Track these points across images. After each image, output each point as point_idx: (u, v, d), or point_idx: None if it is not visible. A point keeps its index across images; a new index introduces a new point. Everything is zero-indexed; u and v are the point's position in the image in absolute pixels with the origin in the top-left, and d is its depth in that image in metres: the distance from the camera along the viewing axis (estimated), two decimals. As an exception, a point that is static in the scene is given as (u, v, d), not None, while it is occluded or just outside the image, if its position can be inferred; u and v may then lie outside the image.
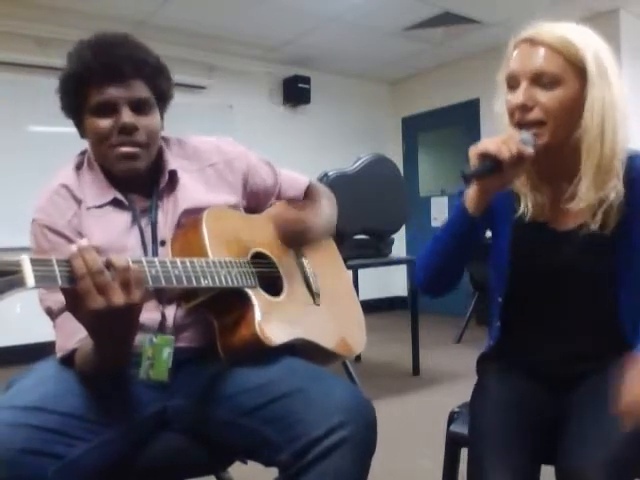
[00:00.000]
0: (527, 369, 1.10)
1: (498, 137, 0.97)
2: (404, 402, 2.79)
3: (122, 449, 0.95)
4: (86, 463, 0.88)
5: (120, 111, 1.02)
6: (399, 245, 4.43)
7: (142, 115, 1.05)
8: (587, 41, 0.99)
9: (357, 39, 4.61)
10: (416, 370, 3.26)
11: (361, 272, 3.40)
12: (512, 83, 1.03)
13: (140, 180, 1.10)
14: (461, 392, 1.28)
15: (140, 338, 1.02)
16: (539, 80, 0.98)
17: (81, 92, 1.03)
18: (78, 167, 1.13)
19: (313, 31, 4.42)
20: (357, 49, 4.88)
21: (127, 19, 3.84)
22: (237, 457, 1.12)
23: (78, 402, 0.91)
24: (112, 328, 0.83)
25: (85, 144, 1.13)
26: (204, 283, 0.94)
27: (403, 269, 4.75)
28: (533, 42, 1.00)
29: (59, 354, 1.01)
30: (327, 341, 1.15)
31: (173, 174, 1.13)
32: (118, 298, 0.78)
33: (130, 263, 0.80)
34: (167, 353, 1.01)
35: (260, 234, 1.18)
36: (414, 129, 5.89)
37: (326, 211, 1.31)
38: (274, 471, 0.95)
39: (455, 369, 3.27)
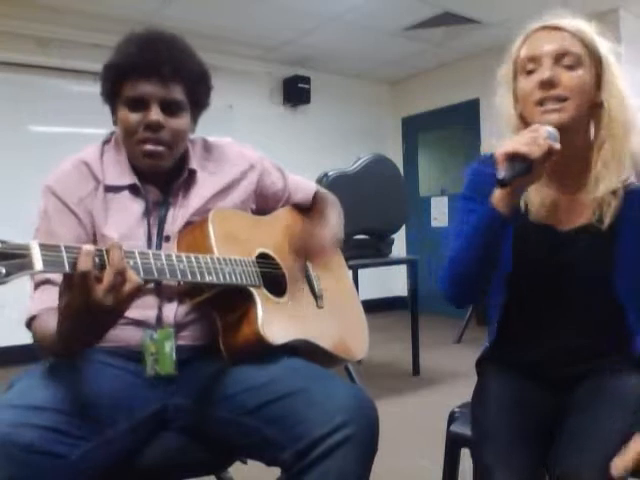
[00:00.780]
0: (527, 369, 1.10)
1: (523, 136, 0.95)
2: (404, 402, 2.80)
3: (123, 448, 0.95)
4: (87, 463, 0.88)
5: (150, 108, 1.04)
6: (399, 245, 4.43)
7: (171, 116, 1.06)
8: (599, 35, 1.04)
9: (357, 39, 4.61)
10: (416, 370, 3.27)
11: (361, 272, 3.40)
12: (530, 66, 1.03)
13: (160, 173, 1.11)
14: (461, 392, 1.28)
15: (140, 335, 1.03)
16: (562, 60, 1.01)
17: (118, 83, 1.05)
18: (106, 142, 1.15)
19: (313, 31, 4.42)
20: (357, 49, 4.87)
21: (127, 19, 3.83)
22: (238, 457, 1.12)
23: (80, 401, 0.91)
24: (92, 323, 0.82)
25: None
26: (208, 279, 0.95)
27: (403, 269, 4.74)
28: (554, 28, 1.03)
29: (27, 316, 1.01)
30: (329, 344, 1.15)
31: (192, 173, 1.14)
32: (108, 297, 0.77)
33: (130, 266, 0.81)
34: (169, 346, 1.02)
35: (266, 235, 1.18)
36: (414, 129, 5.89)
37: (334, 222, 1.33)
38: (274, 471, 0.95)
39: (455, 369, 3.27)
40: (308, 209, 1.36)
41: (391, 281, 5.65)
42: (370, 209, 2.96)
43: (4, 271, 0.67)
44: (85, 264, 0.74)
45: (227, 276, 0.99)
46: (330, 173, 2.90)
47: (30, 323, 1.01)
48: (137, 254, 0.84)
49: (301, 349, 1.09)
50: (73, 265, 0.75)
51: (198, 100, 1.12)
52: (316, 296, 1.21)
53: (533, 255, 1.09)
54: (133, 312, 0.97)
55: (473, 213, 1.04)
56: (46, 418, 0.84)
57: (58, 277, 1.01)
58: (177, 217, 1.11)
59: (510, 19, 4.08)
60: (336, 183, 2.81)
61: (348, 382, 1.00)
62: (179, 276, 0.90)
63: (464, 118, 5.22)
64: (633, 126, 1.04)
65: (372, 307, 4.43)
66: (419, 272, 3.35)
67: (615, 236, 1.04)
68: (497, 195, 0.98)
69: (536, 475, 0.94)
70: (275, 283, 1.12)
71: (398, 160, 5.52)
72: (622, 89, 1.03)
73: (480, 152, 1.29)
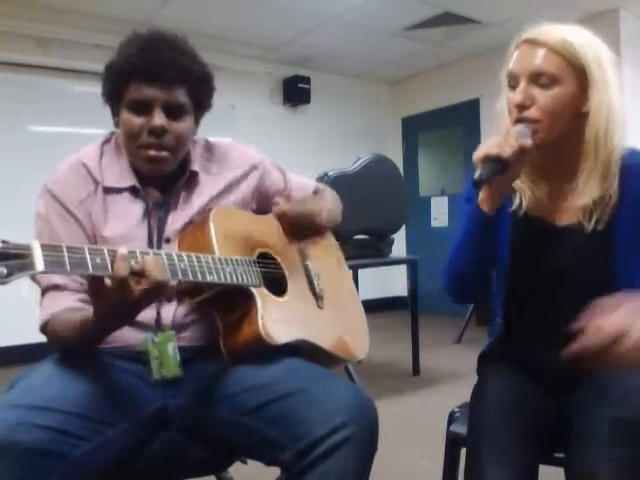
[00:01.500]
0: (527, 368, 1.10)
1: (495, 138, 1.00)
2: (404, 402, 2.80)
3: (124, 448, 0.95)
4: (88, 462, 0.88)
5: (153, 112, 1.03)
6: (399, 245, 4.43)
7: (175, 119, 1.06)
8: (587, 43, 1.03)
9: (357, 39, 4.61)
10: (416, 370, 3.27)
11: (361, 272, 3.40)
12: (512, 82, 1.06)
13: (161, 175, 1.11)
14: (461, 392, 1.28)
15: (139, 336, 1.03)
16: (537, 79, 1.02)
17: (120, 84, 1.04)
18: (105, 142, 1.14)
19: (313, 31, 4.42)
20: (357, 49, 4.88)
21: (127, 19, 3.84)
22: (238, 456, 1.12)
23: (81, 401, 0.91)
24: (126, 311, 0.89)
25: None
26: (209, 278, 0.95)
27: (403, 269, 4.75)
28: (533, 43, 1.03)
29: (41, 321, 1.02)
30: (329, 344, 1.15)
31: (194, 174, 1.14)
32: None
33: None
34: (172, 348, 1.02)
35: (267, 235, 1.18)
36: (414, 129, 5.89)
37: (330, 198, 1.33)
38: (274, 471, 0.95)
39: (455, 369, 3.28)
40: None
41: (391, 281, 5.65)
42: (370, 209, 2.96)
43: (5, 271, 0.67)
44: (124, 270, 0.80)
45: (228, 276, 0.99)
46: (330, 173, 2.90)
47: (45, 329, 1.01)
48: (138, 253, 0.84)
49: (301, 349, 1.09)
50: (76, 265, 0.76)
51: (201, 102, 1.12)
52: (317, 296, 1.21)
53: (531, 249, 1.11)
54: None
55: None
56: (47, 418, 0.84)
57: (64, 281, 1.01)
58: (178, 219, 1.11)
59: (510, 19, 4.08)
60: (336, 183, 2.81)
61: (348, 382, 1.00)
62: (180, 275, 0.91)
63: (464, 118, 5.22)
64: (620, 136, 1.04)
65: (372, 307, 4.43)
66: (419, 272, 3.35)
67: (612, 233, 1.05)
68: (481, 195, 1.05)
69: (530, 473, 0.94)
70: (276, 283, 1.12)
71: (398, 160, 5.53)
72: (611, 96, 1.02)
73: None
